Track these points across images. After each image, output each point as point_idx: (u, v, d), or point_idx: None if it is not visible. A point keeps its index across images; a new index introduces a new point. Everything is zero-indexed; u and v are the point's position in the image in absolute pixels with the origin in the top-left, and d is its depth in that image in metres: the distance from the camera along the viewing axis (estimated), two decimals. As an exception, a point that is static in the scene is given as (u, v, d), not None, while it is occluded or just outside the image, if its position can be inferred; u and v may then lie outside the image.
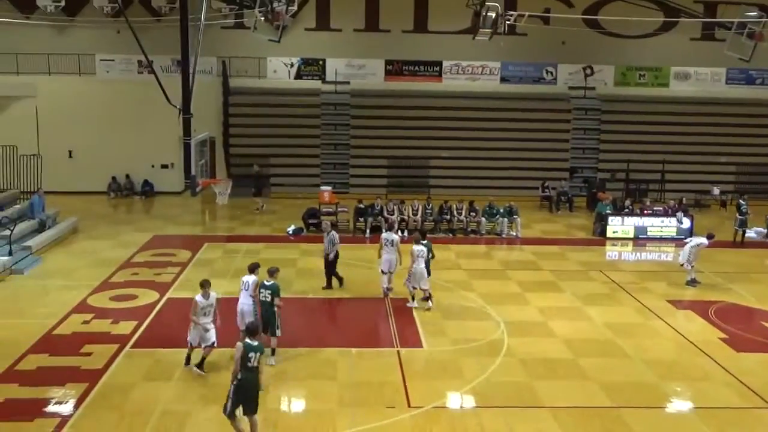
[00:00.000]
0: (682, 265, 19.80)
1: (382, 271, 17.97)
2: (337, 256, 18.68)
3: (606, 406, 12.37)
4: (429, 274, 17.53)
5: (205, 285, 13.37)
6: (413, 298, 17.45)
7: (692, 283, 19.72)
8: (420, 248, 17.21)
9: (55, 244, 23.20)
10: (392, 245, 17.80)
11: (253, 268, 14.35)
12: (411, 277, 17.23)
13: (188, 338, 13.43)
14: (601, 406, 12.36)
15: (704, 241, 19.86)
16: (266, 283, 13.88)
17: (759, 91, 36.64)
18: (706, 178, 33.73)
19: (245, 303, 13.98)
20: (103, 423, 11.49)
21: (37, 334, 15.23)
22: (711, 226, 27.71)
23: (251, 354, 10.63)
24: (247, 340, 10.81)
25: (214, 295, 13.45)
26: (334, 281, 18.89)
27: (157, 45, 29.65)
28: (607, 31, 34.77)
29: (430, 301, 17.36)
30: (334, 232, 18.74)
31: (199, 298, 13.25)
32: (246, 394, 10.61)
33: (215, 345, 13.36)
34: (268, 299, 13.69)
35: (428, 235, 19.03)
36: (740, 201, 25.94)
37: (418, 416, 11.84)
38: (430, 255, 17.81)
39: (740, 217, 25.44)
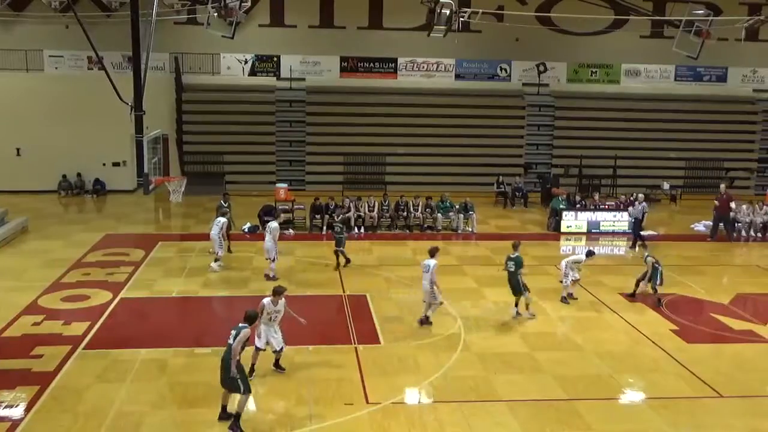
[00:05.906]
0: (561, 281, 18.40)
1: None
2: None
3: (561, 399, 12.52)
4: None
5: (278, 292, 12.91)
6: None
7: (565, 299, 18.02)
8: None
9: (3, 245, 22.65)
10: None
11: (433, 252, 15.72)
12: None
13: (255, 342, 12.87)
14: (557, 399, 12.51)
15: (581, 257, 18.84)
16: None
17: (706, 88, 37.42)
18: (657, 173, 34.42)
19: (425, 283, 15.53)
20: (56, 426, 11.25)
21: (-14, 337, 14.86)
22: (661, 219, 28.42)
23: (232, 331, 11.23)
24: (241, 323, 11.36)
25: (283, 302, 12.96)
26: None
27: (107, 41, 29.13)
28: (559, 28, 35.17)
29: None
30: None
31: (267, 301, 12.84)
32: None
33: (283, 349, 13.04)
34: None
35: (385, 231, 19.10)
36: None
37: (376, 412, 11.85)
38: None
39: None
